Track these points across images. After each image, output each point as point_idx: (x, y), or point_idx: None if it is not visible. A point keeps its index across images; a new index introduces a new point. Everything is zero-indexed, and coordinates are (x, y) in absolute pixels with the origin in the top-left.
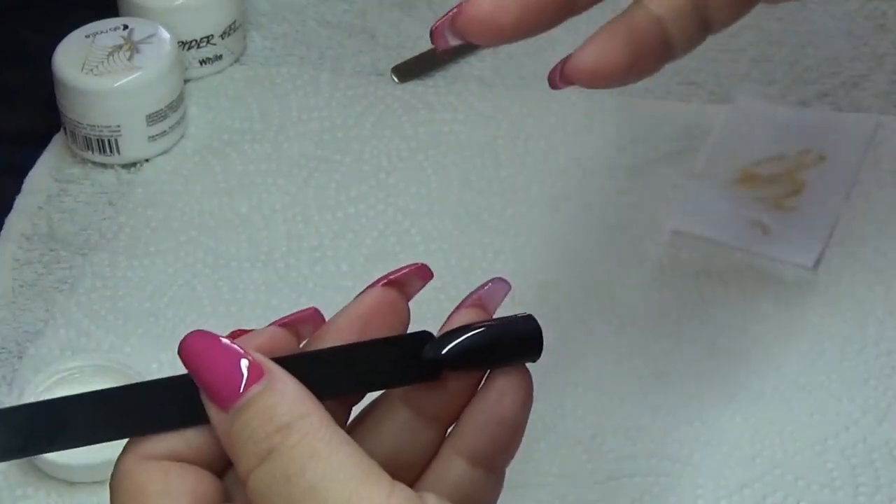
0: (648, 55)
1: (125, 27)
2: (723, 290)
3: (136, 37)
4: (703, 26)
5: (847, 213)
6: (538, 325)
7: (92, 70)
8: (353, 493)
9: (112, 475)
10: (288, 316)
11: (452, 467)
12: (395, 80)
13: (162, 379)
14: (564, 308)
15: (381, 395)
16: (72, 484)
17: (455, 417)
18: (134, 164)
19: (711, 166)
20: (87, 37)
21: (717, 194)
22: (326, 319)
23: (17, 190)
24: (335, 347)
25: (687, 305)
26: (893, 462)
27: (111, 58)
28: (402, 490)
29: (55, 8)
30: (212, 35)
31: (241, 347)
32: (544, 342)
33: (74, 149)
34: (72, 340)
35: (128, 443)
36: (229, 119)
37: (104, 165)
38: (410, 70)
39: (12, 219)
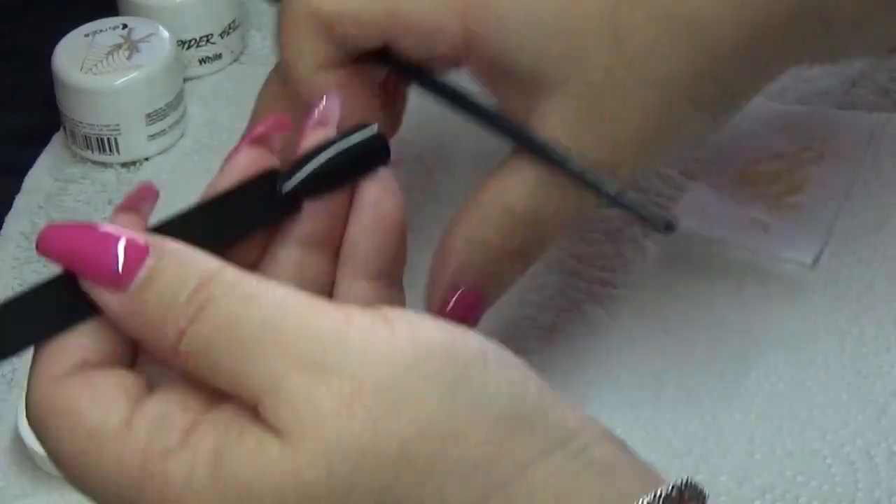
0: None
1: (124, 26)
2: (723, 288)
3: (136, 36)
4: None
5: (847, 211)
6: (379, 130)
7: (91, 69)
8: (308, 319)
9: (27, 409)
10: (125, 201)
11: (354, 290)
12: None
13: (27, 289)
14: (564, 307)
15: (269, 244)
16: None
17: (339, 239)
18: (134, 163)
19: (711, 165)
20: (87, 36)
21: (717, 193)
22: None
23: (17, 190)
24: (193, 207)
25: (687, 304)
26: (892, 458)
27: (110, 57)
28: (355, 307)
29: (55, 8)
30: (211, 34)
31: (110, 226)
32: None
33: (74, 148)
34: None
35: (32, 373)
36: (229, 118)
37: (104, 164)
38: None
39: (12, 218)
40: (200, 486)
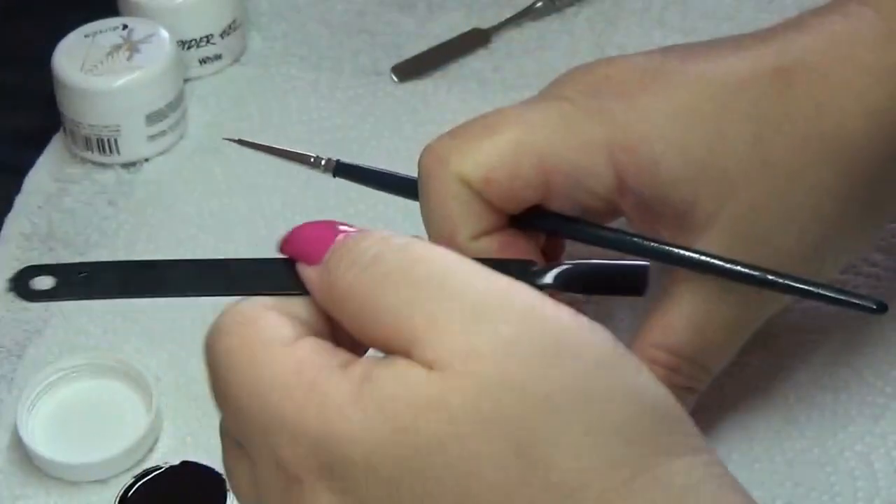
0: None
1: (125, 27)
2: None
3: (136, 36)
4: None
5: None
6: (646, 269)
7: (91, 70)
8: (475, 277)
9: (213, 324)
10: None
11: None
12: (395, 79)
13: (259, 258)
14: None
15: None
16: (72, 483)
17: None
18: (134, 164)
19: None
20: (87, 36)
21: None
22: None
23: (17, 190)
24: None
25: None
26: (891, 464)
27: (111, 57)
28: (520, 283)
29: (55, 8)
30: (211, 34)
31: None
32: None
33: (74, 149)
34: (71, 339)
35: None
36: (229, 119)
37: (104, 165)
38: (410, 70)
39: (12, 218)
40: (344, 398)
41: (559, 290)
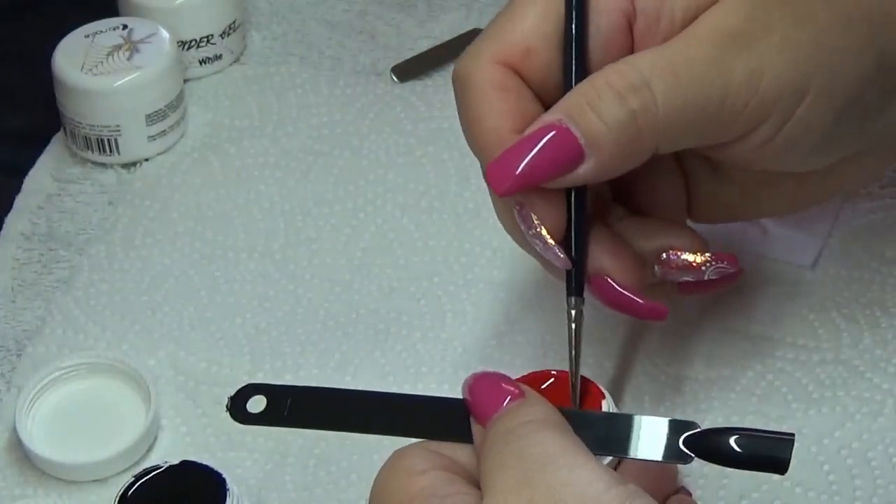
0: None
1: (125, 27)
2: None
3: (136, 36)
4: None
5: (846, 213)
6: (790, 453)
7: (91, 70)
8: (575, 469)
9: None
10: None
11: None
12: (395, 79)
13: (442, 398)
14: (562, 307)
15: None
16: (71, 483)
17: None
18: (134, 164)
19: None
20: (87, 37)
21: None
22: None
23: (17, 190)
24: (610, 413)
25: (685, 305)
26: (888, 461)
27: (111, 57)
28: (626, 488)
29: (55, 8)
30: (211, 35)
31: (510, 381)
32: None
33: (74, 149)
34: (69, 338)
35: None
36: (229, 118)
37: (104, 165)
38: (410, 70)
39: (12, 218)
40: None
41: (701, 457)
